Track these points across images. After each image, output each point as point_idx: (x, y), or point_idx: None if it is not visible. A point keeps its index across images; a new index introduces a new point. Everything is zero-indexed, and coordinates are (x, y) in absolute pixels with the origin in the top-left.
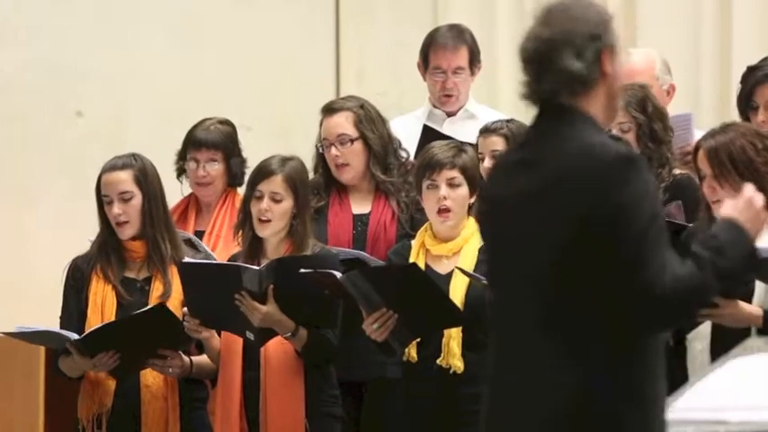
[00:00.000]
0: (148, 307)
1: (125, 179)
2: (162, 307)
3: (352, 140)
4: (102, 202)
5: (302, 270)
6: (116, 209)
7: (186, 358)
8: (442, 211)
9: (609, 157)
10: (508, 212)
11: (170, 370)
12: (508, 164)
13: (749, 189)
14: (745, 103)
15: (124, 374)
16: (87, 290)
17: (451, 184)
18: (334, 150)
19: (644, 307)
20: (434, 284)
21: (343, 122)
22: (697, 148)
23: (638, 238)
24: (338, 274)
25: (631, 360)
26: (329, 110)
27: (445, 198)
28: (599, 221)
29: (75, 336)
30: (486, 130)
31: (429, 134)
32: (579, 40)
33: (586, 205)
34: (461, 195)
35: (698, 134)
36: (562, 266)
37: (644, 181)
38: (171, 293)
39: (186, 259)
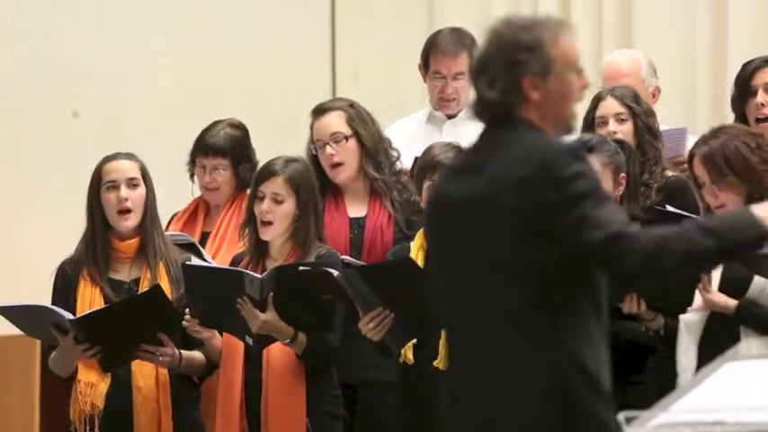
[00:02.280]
0: (144, 291)
1: (132, 167)
2: (157, 289)
3: (346, 138)
4: (101, 190)
5: (301, 268)
6: (123, 192)
7: (176, 350)
8: None
9: (549, 152)
10: (457, 214)
11: (160, 358)
12: (456, 169)
13: None
14: (743, 90)
15: (114, 365)
16: (75, 293)
17: None
18: (329, 150)
19: (598, 256)
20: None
21: (336, 121)
22: (691, 156)
23: (576, 210)
24: (335, 272)
25: (575, 332)
26: (320, 111)
27: None
28: (546, 212)
29: (67, 313)
30: None
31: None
32: (493, 69)
33: (533, 199)
34: None
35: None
36: (520, 257)
37: (579, 167)
38: None
39: (190, 261)
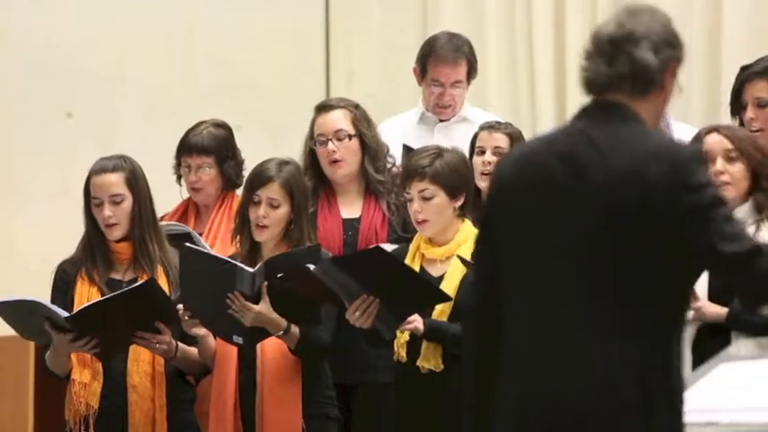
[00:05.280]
0: (138, 283)
1: (116, 182)
2: (151, 282)
3: (349, 136)
4: (91, 203)
5: (278, 275)
6: (107, 211)
7: (173, 340)
8: (419, 222)
9: (680, 155)
10: (560, 200)
11: (157, 345)
12: (556, 151)
13: None
14: (736, 102)
15: (108, 355)
16: (73, 292)
17: (423, 197)
18: (330, 146)
19: (735, 277)
20: (403, 265)
21: (341, 119)
22: (708, 132)
23: (711, 223)
24: (312, 267)
25: (678, 338)
26: (325, 107)
27: (418, 211)
28: (673, 214)
29: (62, 312)
30: (490, 127)
31: (409, 152)
32: (658, 40)
33: (661, 199)
34: (435, 205)
35: (684, 128)
36: (637, 252)
37: (708, 174)
38: None
39: (188, 244)
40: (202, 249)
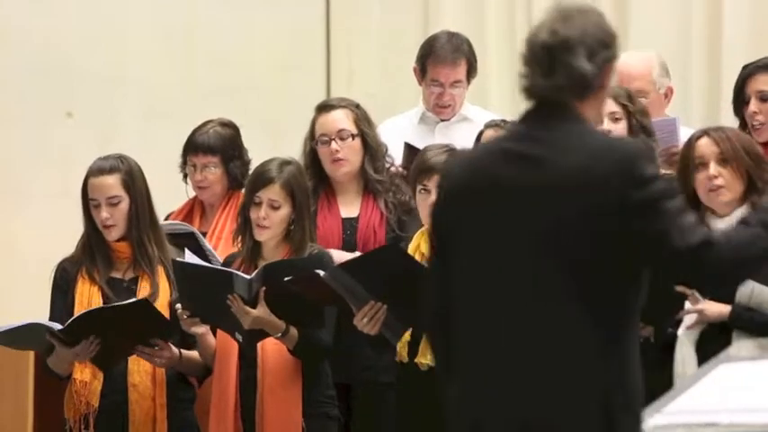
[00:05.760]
0: (131, 300)
1: (113, 184)
2: (145, 302)
3: (352, 136)
4: (89, 203)
5: (285, 279)
6: (104, 213)
7: (176, 349)
8: None
9: (628, 151)
10: (512, 202)
11: (157, 360)
12: (504, 153)
13: None
14: (738, 98)
15: (108, 363)
16: (73, 291)
17: None
18: (334, 145)
19: (684, 270)
20: (417, 264)
21: (344, 118)
22: (698, 137)
23: (662, 217)
24: (321, 273)
25: (634, 337)
26: (326, 107)
27: None
28: (623, 209)
29: (56, 324)
30: (496, 125)
31: (411, 151)
32: (593, 43)
33: (614, 197)
34: None
35: (687, 132)
36: (592, 255)
37: (657, 168)
38: (158, 294)
39: (180, 258)
40: (195, 263)
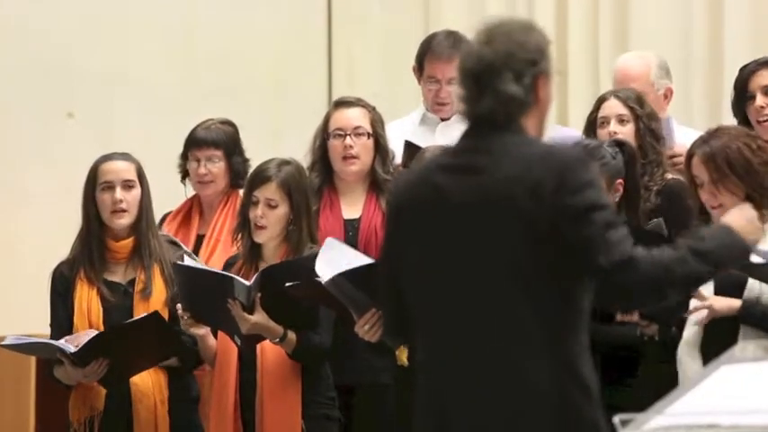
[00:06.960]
0: (142, 315)
1: (128, 168)
2: (156, 315)
3: (368, 135)
4: (95, 192)
5: (287, 285)
6: (119, 194)
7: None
8: None
9: (565, 157)
10: (456, 213)
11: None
12: (444, 167)
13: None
14: (741, 94)
15: (115, 383)
16: (72, 295)
17: None
18: (348, 140)
19: (603, 284)
20: None
21: (360, 117)
22: (690, 156)
23: (590, 226)
24: (323, 280)
25: (576, 339)
26: (345, 103)
27: None
28: (556, 215)
29: (68, 346)
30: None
31: (411, 149)
32: (519, 65)
33: (549, 203)
34: None
35: (683, 131)
36: (532, 259)
37: (593, 176)
38: (152, 291)
39: (181, 261)
40: (196, 266)
